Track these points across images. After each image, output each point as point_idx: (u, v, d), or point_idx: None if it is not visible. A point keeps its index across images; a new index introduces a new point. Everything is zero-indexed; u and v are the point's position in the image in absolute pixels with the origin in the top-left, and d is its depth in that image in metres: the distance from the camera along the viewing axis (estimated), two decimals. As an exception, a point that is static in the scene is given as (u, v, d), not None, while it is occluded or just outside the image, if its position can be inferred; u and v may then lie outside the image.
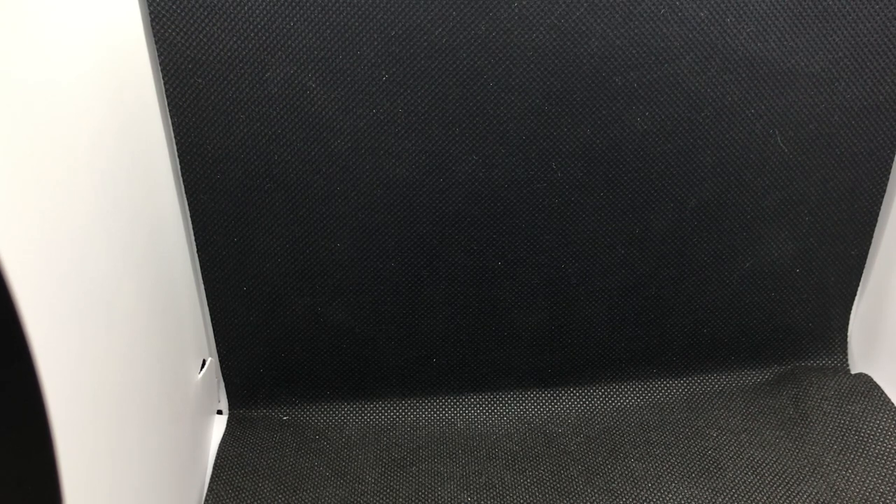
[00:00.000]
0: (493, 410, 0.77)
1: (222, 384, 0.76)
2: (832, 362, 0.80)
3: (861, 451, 0.69)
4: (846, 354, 0.80)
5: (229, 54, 0.61)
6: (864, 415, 0.72)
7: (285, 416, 0.77)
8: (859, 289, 0.78)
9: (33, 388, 0.36)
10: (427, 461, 0.72)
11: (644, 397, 0.79)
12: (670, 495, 0.67)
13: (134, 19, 0.57)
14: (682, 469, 0.69)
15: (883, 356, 0.77)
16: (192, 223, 0.67)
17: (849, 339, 0.80)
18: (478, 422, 0.77)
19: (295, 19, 0.60)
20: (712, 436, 0.73)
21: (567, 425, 0.76)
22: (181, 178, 0.65)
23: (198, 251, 0.69)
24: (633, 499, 0.67)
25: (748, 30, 0.63)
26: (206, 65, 0.61)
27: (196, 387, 0.70)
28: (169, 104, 0.62)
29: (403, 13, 0.61)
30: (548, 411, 0.78)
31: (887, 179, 0.72)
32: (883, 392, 0.74)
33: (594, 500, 0.67)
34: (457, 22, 0.61)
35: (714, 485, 0.67)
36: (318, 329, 0.74)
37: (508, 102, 0.65)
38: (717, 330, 0.78)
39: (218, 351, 0.74)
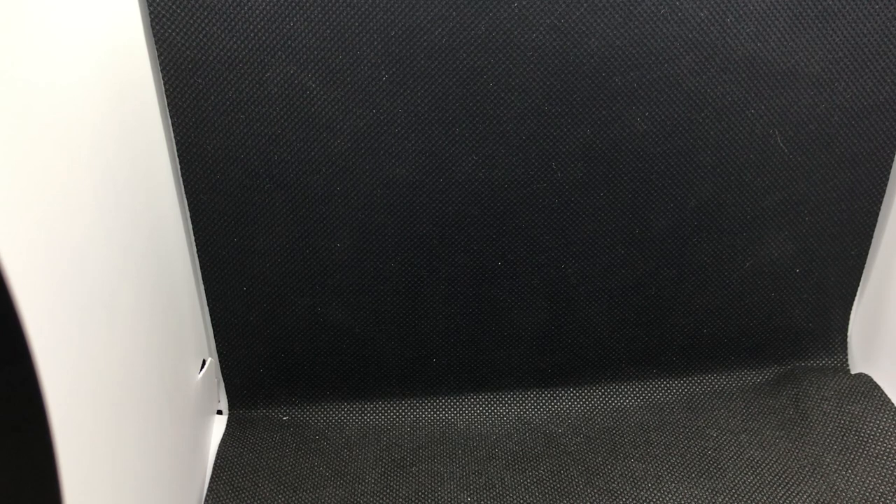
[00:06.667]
0: (493, 410, 0.77)
1: (222, 384, 0.77)
2: (832, 362, 0.80)
3: (861, 451, 0.69)
4: (846, 354, 0.80)
5: (229, 54, 0.61)
6: (864, 415, 0.72)
7: (285, 416, 0.77)
8: (859, 289, 0.78)
9: (33, 388, 0.36)
10: (427, 461, 0.72)
11: (644, 397, 0.78)
12: (670, 495, 0.67)
13: (134, 19, 0.57)
14: (682, 469, 0.69)
15: (883, 356, 0.77)
16: (192, 223, 0.67)
17: (849, 339, 0.80)
18: (478, 422, 0.77)
19: (295, 19, 0.60)
20: (712, 436, 0.73)
21: (567, 425, 0.76)
22: (181, 178, 0.65)
23: (198, 251, 0.69)
24: (633, 499, 0.67)
25: (748, 30, 0.63)
26: (206, 65, 0.61)
27: (196, 387, 0.70)
28: (169, 104, 0.62)
29: (403, 13, 0.61)
30: (548, 411, 0.78)
31: (887, 179, 0.72)
32: (883, 392, 0.74)
33: (594, 500, 0.67)
34: (457, 22, 0.61)
35: (714, 485, 0.67)
36: (318, 329, 0.74)
37: (508, 102, 0.65)
38: (717, 330, 0.78)
39: (218, 351, 0.74)
